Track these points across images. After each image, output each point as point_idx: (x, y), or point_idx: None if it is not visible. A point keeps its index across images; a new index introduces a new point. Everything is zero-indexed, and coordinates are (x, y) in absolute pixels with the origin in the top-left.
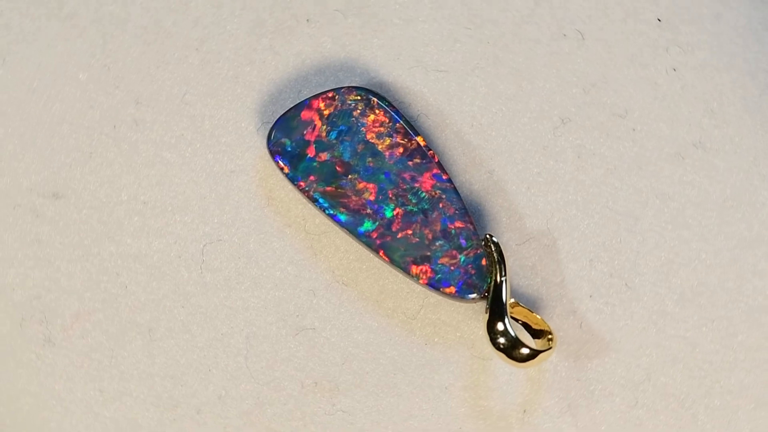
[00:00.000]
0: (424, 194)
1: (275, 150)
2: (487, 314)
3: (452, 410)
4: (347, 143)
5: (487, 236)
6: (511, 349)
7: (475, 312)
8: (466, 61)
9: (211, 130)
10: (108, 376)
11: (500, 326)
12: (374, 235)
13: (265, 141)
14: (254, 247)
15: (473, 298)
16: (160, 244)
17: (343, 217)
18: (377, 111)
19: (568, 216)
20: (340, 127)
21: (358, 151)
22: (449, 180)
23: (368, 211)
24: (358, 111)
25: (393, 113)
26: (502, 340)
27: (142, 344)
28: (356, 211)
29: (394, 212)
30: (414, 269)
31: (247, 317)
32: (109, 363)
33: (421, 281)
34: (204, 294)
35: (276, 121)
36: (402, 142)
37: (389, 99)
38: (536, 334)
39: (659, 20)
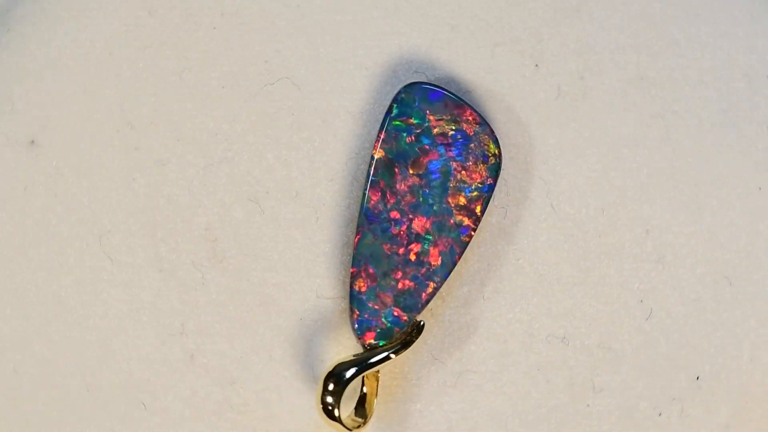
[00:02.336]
0: (430, 250)
1: (401, 98)
2: (350, 359)
3: (259, 379)
4: (438, 158)
5: (420, 322)
6: (329, 404)
7: (351, 348)
8: (576, 227)
9: (392, 40)
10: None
11: (332, 385)
12: (369, 222)
13: (394, 86)
14: (307, 123)
15: (359, 340)
16: (248, 57)
17: (370, 188)
18: (485, 170)
19: (485, 391)
20: (452, 145)
21: (439, 169)
22: (455, 264)
23: (389, 205)
24: (475, 155)
25: (489, 184)
26: (329, 398)
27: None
28: (383, 195)
29: (400, 229)
30: (356, 271)
31: (229, 157)
32: (100, 73)
33: (353, 285)
34: (221, 104)
35: (429, 84)
36: (464, 201)
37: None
38: (358, 411)
39: None
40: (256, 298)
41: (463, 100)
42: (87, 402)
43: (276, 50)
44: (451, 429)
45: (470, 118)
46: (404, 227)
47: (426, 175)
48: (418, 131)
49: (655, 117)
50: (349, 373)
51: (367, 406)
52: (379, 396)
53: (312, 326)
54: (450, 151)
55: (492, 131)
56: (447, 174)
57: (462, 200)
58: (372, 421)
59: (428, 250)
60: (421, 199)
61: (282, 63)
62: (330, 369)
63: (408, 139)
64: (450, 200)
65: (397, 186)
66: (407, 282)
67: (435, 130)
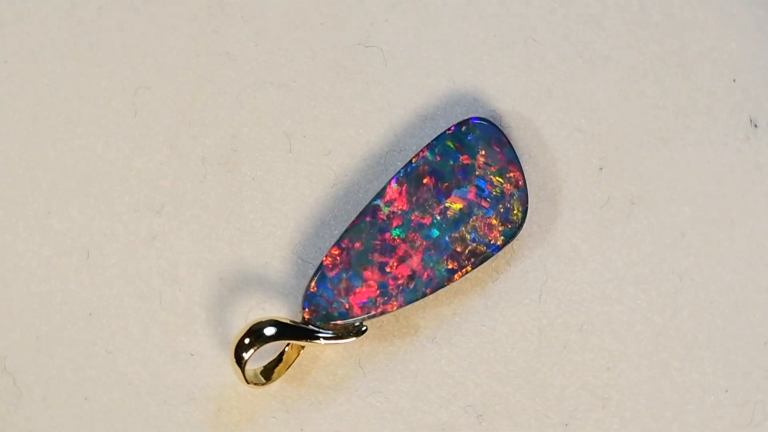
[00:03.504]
0: (409, 271)
1: (466, 126)
2: (283, 322)
3: (199, 292)
4: (467, 196)
5: (363, 326)
6: (241, 350)
7: (294, 314)
8: (550, 328)
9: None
10: None
11: (252, 335)
12: (373, 214)
13: (468, 110)
14: (374, 97)
15: (302, 311)
16: (358, 13)
17: (392, 186)
18: (500, 231)
19: (384, 418)
20: (485, 192)
21: (461, 206)
22: (424, 296)
23: (399, 211)
24: (499, 213)
25: (497, 245)
26: (244, 347)
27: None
28: (399, 198)
29: (395, 237)
30: (335, 249)
31: (289, 86)
32: None
33: (324, 261)
34: (311, 37)
35: (496, 127)
36: (466, 247)
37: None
38: (267, 371)
39: None
40: (239, 222)
41: (518, 159)
42: (41, 226)
43: (385, 20)
44: None
45: (515, 178)
46: (399, 238)
47: (447, 204)
48: (463, 162)
49: (675, 276)
50: (269, 332)
51: (275, 371)
52: (291, 370)
53: (272, 275)
54: (481, 197)
55: (527, 200)
56: (466, 215)
57: (464, 246)
58: (270, 387)
59: (407, 271)
60: (429, 222)
61: (383, 34)
62: (260, 320)
63: (450, 165)
64: (454, 239)
65: (416, 198)
66: (373, 286)
67: (478, 171)
